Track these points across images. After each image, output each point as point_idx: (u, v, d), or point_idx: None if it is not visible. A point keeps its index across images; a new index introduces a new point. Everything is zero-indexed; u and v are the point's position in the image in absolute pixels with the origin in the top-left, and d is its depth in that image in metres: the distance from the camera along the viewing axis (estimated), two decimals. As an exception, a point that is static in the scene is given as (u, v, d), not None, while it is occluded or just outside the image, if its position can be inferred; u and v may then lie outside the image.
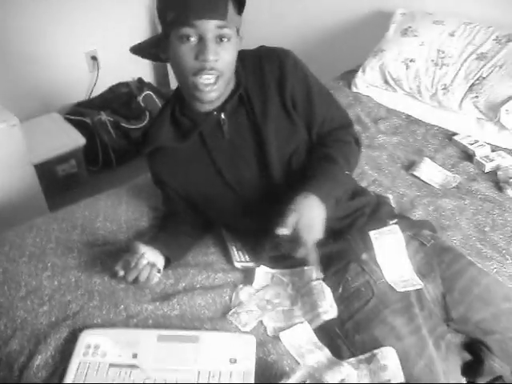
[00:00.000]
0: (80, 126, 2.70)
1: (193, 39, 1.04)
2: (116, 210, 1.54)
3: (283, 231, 1.06)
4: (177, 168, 1.28)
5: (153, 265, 1.18)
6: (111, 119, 2.75)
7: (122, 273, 1.16)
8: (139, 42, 1.19)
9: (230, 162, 1.23)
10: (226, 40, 1.06)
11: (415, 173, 1.67)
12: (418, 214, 1.50)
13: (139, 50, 1.17)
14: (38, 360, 1.11)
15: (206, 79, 1.07)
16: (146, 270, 1.16)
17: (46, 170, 2.45)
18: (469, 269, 1.19)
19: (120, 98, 2.87)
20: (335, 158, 1.19)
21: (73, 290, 1.28)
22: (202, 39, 1.04)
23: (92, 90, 2.98)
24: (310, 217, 1.09)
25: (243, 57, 1.19)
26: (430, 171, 1.66)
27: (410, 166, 1.71)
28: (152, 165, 1.32)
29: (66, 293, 1.27)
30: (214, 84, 1.09)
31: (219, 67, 1.07)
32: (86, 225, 1.48)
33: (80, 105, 2.87)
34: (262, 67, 1.19)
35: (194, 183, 1.28)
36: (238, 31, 1.12)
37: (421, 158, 1.73)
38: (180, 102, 1.23)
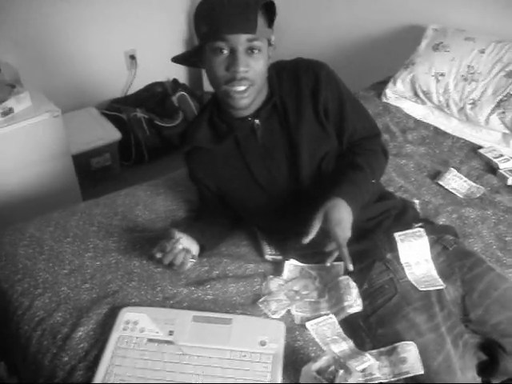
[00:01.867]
0: (116, 121, 2.81)
1: (225, 51, 1.13)
2: (154, 200, 1.63)
3: (310, 237, 1.15)
4: (212, 168, 1.37)
5: (187, 251, 1.26)
6: (146, 116, 2.85)
7: (159, 255, 1.24)
8: (182, 52, 1.28)
9: (263, 164, 1.31)
10: (256, 52, 1.14)
11: (440, 182, 1.73)
12: (441, 221, 1.56)
13: (180, 59, 1.26)
14: (81, 332, 1.20)
15: (237, 88, 1.16)
16: (181, 254, 1.24)
17: (81, 162, 2.55)
18: (489, 273, 1.25)
19: (155, 96, 2.97)
20: (362, 166, 1.27)
21: (113, 270, 1.37)
22: (233, 51, 1.12)
23: (129, 88, 3.09)
24: (339, 216, 1.16)
25: (280, 67, 1.28)
26: (455, 181, 1.72)
27: (435, 176, 1.77)
28: (189, 163, 1.41)
29: (106, 273, 1.36)
30: (245, 91, 1.17)
31: (250, 77, 1.15)
32: (126, 212, 1.57)
33: (116, 101, 2.98)
34: (298, 77, 1.27)
35: (227, 183, 1.37)
36: (269, 41, 1.20)
37: (446, 168, 1.78)
38: (217, 107, 1.32)
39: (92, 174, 2.68)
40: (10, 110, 2.14)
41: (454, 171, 1.75)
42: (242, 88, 1.17)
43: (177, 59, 1.26)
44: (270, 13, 1.19)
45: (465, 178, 1.74)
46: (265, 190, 1.32)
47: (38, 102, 2.22)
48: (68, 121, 2.68)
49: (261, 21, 1.14)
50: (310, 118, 1.28)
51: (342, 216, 1.17)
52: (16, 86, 2.25)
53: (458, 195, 1.68)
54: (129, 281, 1.34)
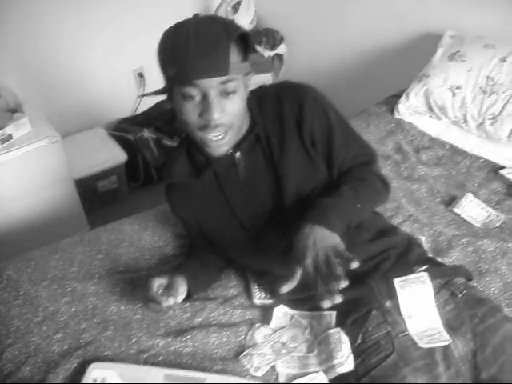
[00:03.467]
0: (123, 142, 2.73)
1: (196, 97, 1.01)
2: (141, 236, 1.52)
3: (291, 286, 0.99)
4: (191, 204, 1.25)
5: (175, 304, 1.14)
6: (154, 136, 2.77)
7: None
8: (150, 91, 1.17)
9: (245, 201, 1.19)
10: (231, 93, 1.02)
11: (455, 209, 1.56)
12: (454, 256, 1.40)
13: (148, 96, 1.16)
14: (46, 390, 1.10)
15: (213, 136, 1.05)
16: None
17: (86, 185, 2.49)
18: (504, 325, 1.08)
19: (163, 115, 2.89)
20: (341, 192, 1.11)
21: (89, 317, 1.28)
22: (205, 96, 1.00)
23: (138, 106, 3.02)
24: (319, 236, 0.99)
25: (262, 94, 1.16)
26: (472, 208, 1.56)
27: (450, 202, 1.61)
28: (168, 198, 1.30)
29: (81, 321, 1.27)
30: (222, 139, 1.06)
31: (226, 122, 1.04)
32: (110, 250, 1.48)
33: (124, 121, 2.91)
34: (281, 105, 1.14)
35: (207, 220, 1.26)
36: (247, 73, 1.07)
37: (463, 192, 1.62)
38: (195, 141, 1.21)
39: (99, 197, 2.61)
40: (9, 137, 2.09)
41: (470, 196, 1.58)
42: (218, 135, 1.06)
43: (143, 95, 1.16)
44: (245, 42, 1.05)
45: (483, 205, 1.57)
46: (247, 229, 1.20)
47: (39, 127, 2.16)
48: (74, 143, 2.65)
49: (234, 57, 1.01)
50: (296, 148, 1.15)
51: (323, 234, 1.00)
52: (17, 111, 2.20)
53: (475, 224, 1.52)
54: (104, 330, 1.24)
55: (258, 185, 1.18)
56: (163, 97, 1.12)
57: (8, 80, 2.35)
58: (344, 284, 0.90)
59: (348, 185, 1.13)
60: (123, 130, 2.79)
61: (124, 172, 2.68)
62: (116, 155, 2.62)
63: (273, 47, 3.00)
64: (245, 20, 3.03)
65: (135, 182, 2.80)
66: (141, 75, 2.96)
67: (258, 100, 1.17)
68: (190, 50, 0.97)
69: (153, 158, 2.75)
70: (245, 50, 1.05)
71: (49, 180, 2.21)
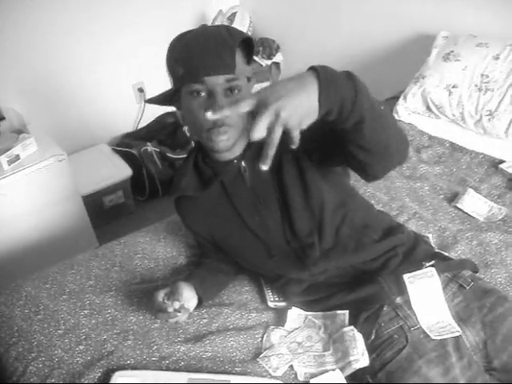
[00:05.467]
0: (127, 156, 2.77)
1: (203, 94, 1.06)
2: (154, 247, 1.56)
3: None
4: (201, 215, 1.29)
5: (182, 307, 1.17)
6: (157, 150, 2.81)
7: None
8: (155, 96, 1.19)
9: (253, 208, 1.22)
10: (236, 92, 1.06)
11: (458, 205, 1.60)
12: (460, 250, 1.43)
13: (155, 101, 1.19)
14: (72, 400, 1.14)
15: (218, 135, 1.08)
16: (174, 317, 1.16)
17: (93, 201, 2.53)
18: (513, 313, 1.12)
19: (166, 128, 2.93)
20: None
21: (109, 328, 1.31)
22: (211, 93, 1.05)
23: (140, 121, 3.06)
24: (286, 86, 0.78)
25: None
26: (474, 203, 1.59)
27: (452, 198, 1.65)
28: (179, 212, 1.34)
29: (102, 332, 1.30)
30: (226, 134, 1.09)
31: (230, 122, 1.08)
32: (125, 262, 1.51)
33: (128, 136, 2.96)
34: None
35: (217, 230, 1.30)
36: (248, 78, 1.12)
37: (465, 188, 1.66)
38: (202, 151, 1.25)
39: (106, 212, 2.65)
40: (17, 157, 2.13)
41: (472, 192, 1.62)
42: (222, 135, 1.10)
43: (152, 101, 1.19)
44: (249, 48, 1.12)
45: (485, 199, 1.60)
46: (257, 235, 1.23)
47: (45, 146, 2.21)
48: (79, 160, 2.69)
49: (239, 59, 1.08)
50: (299, 154, 1.18)
51: (291, 85, 0.78)
52: (22, 132, 2.25)
53: (478, 218, 1.56)
54: (124, 339, 1.27)
55: (265, 192, 1.21)
56: (165, 109, 1.16)
57: (11, 101, 2.40)
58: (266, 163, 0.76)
59: None
60: (127, 145, 2.84)
61: (130, 186, 2.72)
62: (121, 170, 2.66)
63: (269, 56, 3.05)
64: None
65: (141, 195, 2.84)
66: (141, 90, 3.01)
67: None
68: (199, 48, 1.04)
69: (157, 171, 2.79)
70: (248, 54, 1.11)
71: (57, 197, 2.25)
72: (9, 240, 2.17)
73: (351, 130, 0.85)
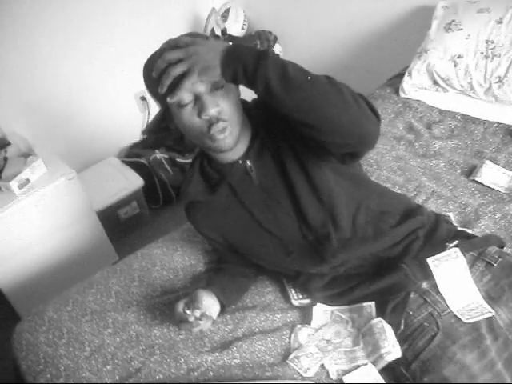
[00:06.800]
0: (137, 166, 2.76)
1: (190, 102, 1.03)
2: (172, 257, 1.54)
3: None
4: (212, 220, 1.27)
5: (205, 316, 1.15)
6: (166, 156, 2.79)
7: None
8: (149, 123, 1.17)
9: (264, 206, 1.19)
10: (220, 87, 1.03)
11: (477, 178, 1.55)
12: (484, 225, 1.39)
13: (151, 131, 1.16)
14: (105, 423, 1.12)
15: (218, 132, 1.05)
16: (197, 326, 1.14)
17: (108, 216, 2.52)
18: (546, 286, 1.08)
19: (172, 133, 2.91)
20: None
21: (134, 345, 1.29)
22: (197, 97, 1.02)
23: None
24: (205, 44, 0.94)
25: (259, 101, 1.16)
26: (493, 175, 1.54)
27: (470, 172, 1.59)
28: (190, 218, 1.32)
29: (127, 349, 1.28)
30: (226, 131, 1.06)
31: (224, 116, 1.04)
32: (144, 276, 1.49)
33: (135, 146, 2.95)
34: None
35: (231, 233, 1.27)
36: None
37: (482, 161, 1.60)
38: (206, 156, 1.22)
39: (122, 225, 2.64)
40: (27, 181, 2.13)
41: (489, 163, 1.57)
42: (222, 130, 1.06)
43: (148, 131, 1.17)
44: None
45: (503, 169, 1.55)
46: (271, 233, 1.20)
47: (53, 167, 2.20)
48: (90, 176, 2.68)
49: None
50: (296, 148, 1.15)
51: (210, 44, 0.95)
52: (30, 155, 2.24)
53: (499, 190, 1.50)
54: (151, 355, 1.25)
55: (273, 188, 1.18)
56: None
57: (15, 126, 2.40)
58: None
59: None
60: (136, 155, 2.82)
61: (143, 196, 2.70)
62: (133, 181, 2.65)
63: (267, 48, 3.01)
64: (236, 26, 3.04)
65: (155, 204, 2.82)
66: (143, 98, 3.00)
67: (255, 106, 1.17)
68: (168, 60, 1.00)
69: (169, 178, 2.77)
70: None
71: (71, 216, 2.24)
72: (28, 265, 2.17)
73: (276, 101, 0.92)
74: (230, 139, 1.09)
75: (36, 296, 2.11)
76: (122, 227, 2.64)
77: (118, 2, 2.69)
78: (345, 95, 0.93)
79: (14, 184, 2.06)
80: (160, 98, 1.04)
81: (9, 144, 2.25)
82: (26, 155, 2.24)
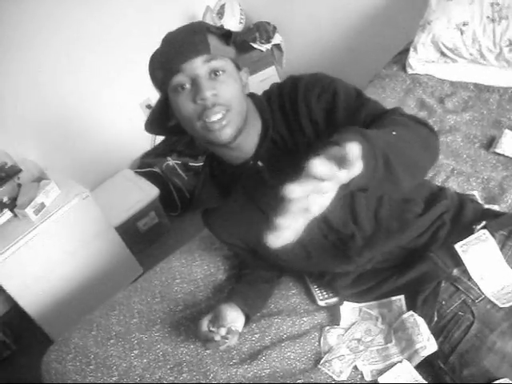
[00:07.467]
0: (151, 176, 2.74)
1: (187, 85, 0.98)
2: (191, 268, 1.50)
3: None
4: (229, 225, 1.22)
5: (231, 331, 1.12)
6: (179, 162, 2.76)
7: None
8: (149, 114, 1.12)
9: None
10: (220, 73, 0.98)
11: (497, 150, 1.47)
12: (510, 199, 1.32)
13: (152, 123, 1.11)
14: None
15: (212, 117, 0.98)
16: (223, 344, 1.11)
17: (128, 229, 2.50)
18: None
19: (182, 138, 2.88)
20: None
21: (161, 365, 1.26)
22: (195, 81, 0.97)
23: (155, 138, 3.02)
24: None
25: (269, 94, 1.11)
26: (515, 144, 1.47)
27: (490, 144, 1.52)
28: (207, 226, 1.27)
29: (155, 369, 1.26)
30: (223, 119, 0.99)
31: (222, 101, 0.98)
32: (165, 291, 1.46)
33: (147, 155, 2.92)
34: (283, 101, 1.08)
35: (249, 236, 1.22)
36: (237, 65, 1.04)
37: (500, 130, 1.53)
38: (216, 160, 1.17)
39: (142, 236, 2.62)
40: (42, 206, 2.12)
41: (509, 132, 1.50)
42: (217, 116, 0.99)
43: (149, 124, 1.12)
44: (224, 35, 1.04)
45: (525, 137, 1.47)
46: None
47: (67, 188, 2.19)
48: (104, 191, 2.67)
49: (214, 40, 1.00)
50: (310, 141, 1.09)
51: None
52: (42, 179, 2.24)
53: (523, 160, 1.43)
54: (179, 373, 1.22)
55: None
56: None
57: (24, 151, 2.39)
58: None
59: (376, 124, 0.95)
60: (148, 165, 2.80)
61: (160, 205, 2.67)
62: (148, 191, 2.62)
63: (268, 39, 2.94)
64: (233, 21, 2.98)
65: (174, 211, 2.80)
66: (149, 106, 2.96)
67: (267, 101, 1.12)
68: (169, 47, 1.00)
69: (184, 183, 2.74)
70: (224, 37, 1.03)
71: (90, 235, 2.23)
72: (53, 288, 2.17)
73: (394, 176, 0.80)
74: (229, 129, 1.01)
75: (65, 318, 2.11)
76: (143, 239, 2.62)
77: (112, 7, 2.65)
78: (421, 132, 0.91)
79: (29, 210, 2.06)
80: (160, 86, 1.02)
81: (20, 171, 2.24)
82: (39, 179, 2.24)
